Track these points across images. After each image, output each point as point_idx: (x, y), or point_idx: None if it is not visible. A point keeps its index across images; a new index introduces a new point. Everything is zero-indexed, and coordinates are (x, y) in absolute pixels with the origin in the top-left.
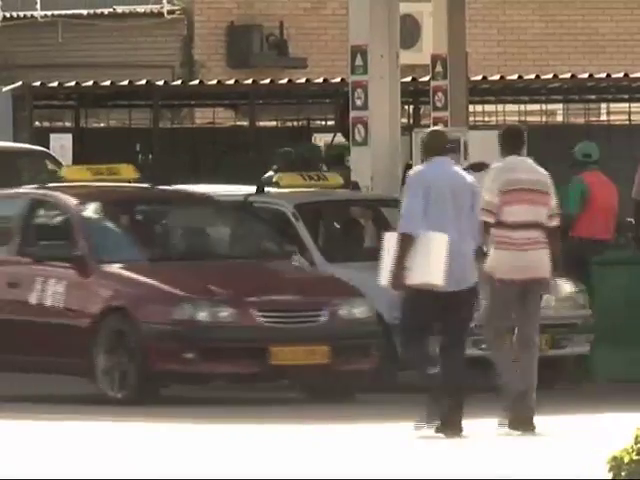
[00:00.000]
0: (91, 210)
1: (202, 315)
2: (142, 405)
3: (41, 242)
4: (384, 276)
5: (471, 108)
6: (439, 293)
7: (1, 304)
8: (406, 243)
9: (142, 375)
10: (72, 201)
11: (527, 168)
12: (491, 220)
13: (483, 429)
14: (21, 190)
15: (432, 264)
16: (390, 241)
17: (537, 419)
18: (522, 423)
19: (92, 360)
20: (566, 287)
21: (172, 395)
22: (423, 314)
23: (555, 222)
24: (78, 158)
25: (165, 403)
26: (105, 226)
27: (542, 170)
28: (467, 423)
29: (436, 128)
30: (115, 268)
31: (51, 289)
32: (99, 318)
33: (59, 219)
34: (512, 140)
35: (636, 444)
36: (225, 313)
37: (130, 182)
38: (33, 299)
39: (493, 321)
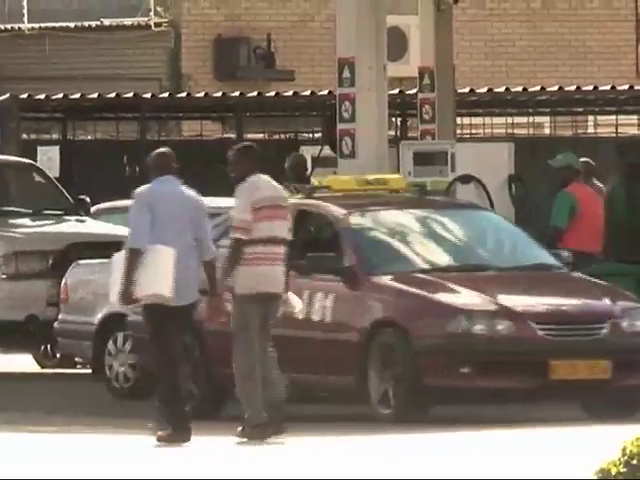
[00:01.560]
0: (359, 220)
1: (478, 328)
2: (411, 423)
3: (308, 254)
4: (113, 292)
5: (458, 120)
6: (167, 307)
7: None
8: (134, 257)
9: (413, 391)
10: (340, 211)
11: (270, 186)
12: (245, 237)
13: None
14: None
15: (159, 276)
16: (119, 262)
17: (527, 430)
18: (273, 430)
19: (363, 377)
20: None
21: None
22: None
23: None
24: (65, 171)
25: (433, 421)
26: (374, 236)
27: (279, 186)
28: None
29: (162, 149)
30: (385, 280)
31: (319, 303)
32: (369, 333)
33: (326, 230)
34: (248, 159)
35: (624, 456)
36: (502, 326)
37: (398, 192)
38: (300, 313)
39: (241, 336)
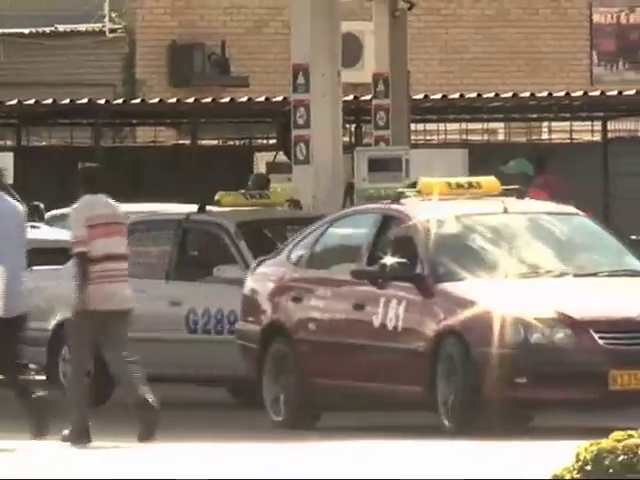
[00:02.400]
0: (439, 225)
1: (536, 337)
2: (474, 435)
3: (383, 261)
4: None
5: (413, 127)
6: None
7: (344, 327)
8: None
9: (472, 403)
10: (422, 216)
11: (105, 203)
12: (85, 249)
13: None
14: (370, 206)
15: None
16: None
17: (472, 443)
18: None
19: (431, 388)
20: None
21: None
22: None
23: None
24: (19, 177)
25: (491, 434)
26: (451, 243)
27: (116, 204)
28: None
29: None
30: (452, 288)
31: (392, 310)
32: (435, 342)
33: (402, 235)
34: (88, 181)
35: (577, 462)
36: (561, 334)
37: (496, 195)
38: (374, 321)
39: (74, 349)
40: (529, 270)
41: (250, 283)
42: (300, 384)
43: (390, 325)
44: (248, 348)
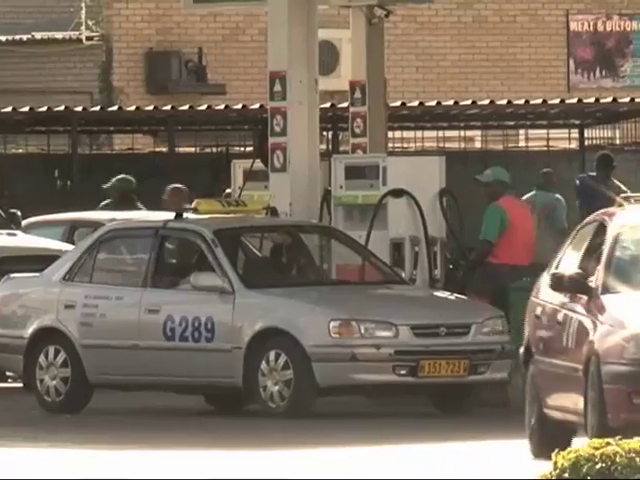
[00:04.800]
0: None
1: None
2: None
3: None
4: None
5: (390, 134)
6: None
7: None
8: None
9: (600, 423)
10: (616, 224)
11: None
12: None
13: None
14: None
15: None
16: None
17: (454, 445)
18: None
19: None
20: None
21: None
22: None
23: None
24: None
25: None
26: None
27: None
28: None
29: None
30: (607, 301)
31: (566, 325)
32: (587, 358)
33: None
34: None
35: (555, 469)
36: None
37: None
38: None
39: None
40: None
41: None
42: None
43: (563, 341)
44: None
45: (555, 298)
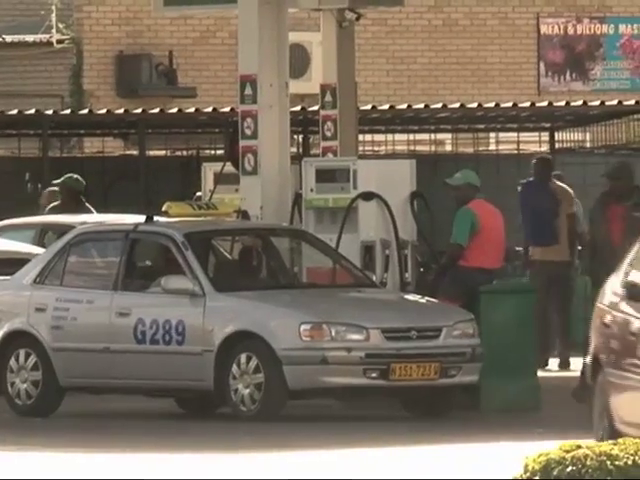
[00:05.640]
0: None
1: None
2: None
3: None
4: None
5: (360, 137)
6: None
7: None
8: None
9: None
10: None
11: None
12: None
13: None
14: None
15: None
16: None
17: (424, 449)
18: None
19: None
20: None
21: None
22: None
23: None
24: None
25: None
26: None
27: None
28: None
29: None
30: None
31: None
32: None
33: None
34: None
35: (526, 472)
36: None
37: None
38: None
39: None
40: None
41: None
42: None
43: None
44: None
45: (627, 307)
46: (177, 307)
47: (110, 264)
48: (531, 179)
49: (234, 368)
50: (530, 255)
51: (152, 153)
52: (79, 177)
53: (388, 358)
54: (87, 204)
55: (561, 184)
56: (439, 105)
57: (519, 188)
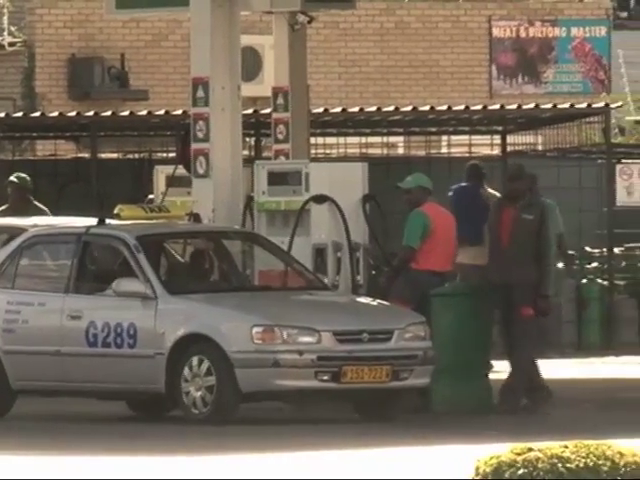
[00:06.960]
0: None
1: None
2: None
3: None
4: None
5: (312, 140)
6: None
7: None
8: None
9: None
10: None
11: None
12: None
13: None
14: None
15: None
16: None
17: (376, 451)
18: None
19: None
20: None
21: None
22: None
23: None
24: None
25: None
26: None
27: None
28: None
29: None
30: None
31: None
32: None
33: None
34: None
35: (477, 475)
36: None
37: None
38: None
39: None
40: None
41: None
42: None
43: None
44: None
45: None
46: (129, 310)
47: (62, 267)
48: (463, 184)
49: (186, 371)
50: (459, 261)
51: (104, 156)
52: (26, 176)
53: (340, 361)
54: (36, 202)
55: (492, 191)
56: (391, 108)
57: (450, 193)
